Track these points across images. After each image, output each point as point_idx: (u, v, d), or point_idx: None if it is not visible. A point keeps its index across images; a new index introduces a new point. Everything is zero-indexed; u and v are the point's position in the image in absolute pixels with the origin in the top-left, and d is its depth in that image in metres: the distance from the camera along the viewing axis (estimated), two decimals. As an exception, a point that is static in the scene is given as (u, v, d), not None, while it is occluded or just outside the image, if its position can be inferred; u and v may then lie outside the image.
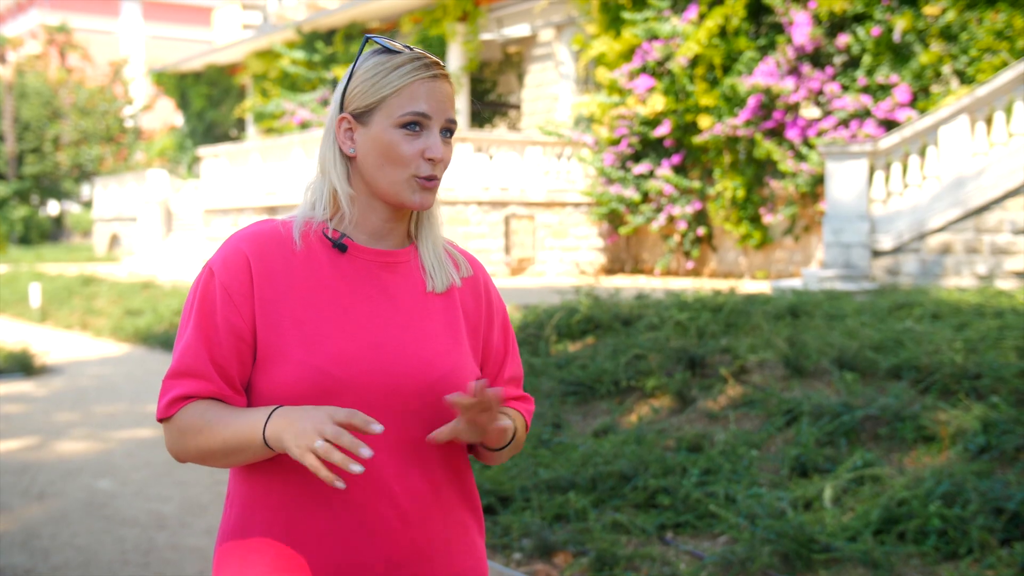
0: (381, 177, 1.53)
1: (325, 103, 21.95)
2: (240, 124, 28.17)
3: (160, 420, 1.52)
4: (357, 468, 1.33)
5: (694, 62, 15.15)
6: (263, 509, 1.52)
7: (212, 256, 1.54)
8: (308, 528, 1.50)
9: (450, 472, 1.59)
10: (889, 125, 13.12)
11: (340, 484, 1.34)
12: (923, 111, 12.77)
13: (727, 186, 15.01)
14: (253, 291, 1.50)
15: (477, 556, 1.63)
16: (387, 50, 1.54)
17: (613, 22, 16.24)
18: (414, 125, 1.51)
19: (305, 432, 1.35)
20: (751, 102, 14.20)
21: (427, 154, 1.51)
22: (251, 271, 1.50)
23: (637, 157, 16.25)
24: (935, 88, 13.03)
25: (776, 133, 14.45)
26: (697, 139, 15.18)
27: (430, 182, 1.53)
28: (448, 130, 1.55)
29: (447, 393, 1.54)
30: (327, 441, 1.34)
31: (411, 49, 1.54)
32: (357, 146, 1.54)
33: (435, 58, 1.55)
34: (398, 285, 1.57)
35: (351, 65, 1.57)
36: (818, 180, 13.77)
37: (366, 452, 1.33)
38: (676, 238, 16.19)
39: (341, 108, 1.56)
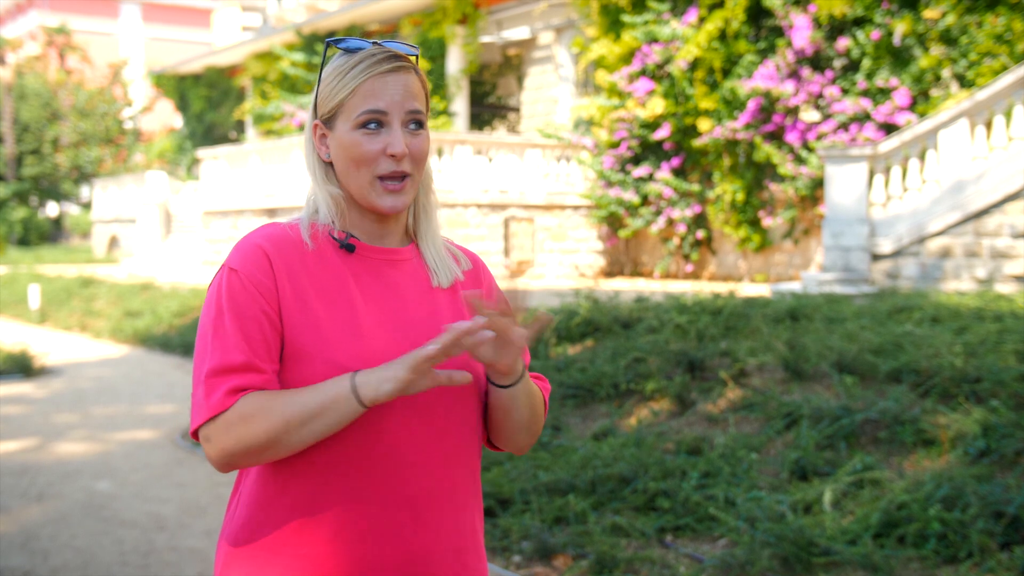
0: (350, 181, 1.54)
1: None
2: (239, 126, 28.17)
3: (209, 418, 1.43)
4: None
5: (694, 65, 15.16)
6: (277, 509, 1.50)
7: (228, 258, 1.51)
8: (321, 528, 1.48)
9: (466, 471, 1.59)
10: (889, 129, 13.13)
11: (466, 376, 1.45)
12: (923, 115, 12.78)
13: (726, 189, 15.01)
14: (277, 286, 1.49)
15: (481, 558, 1.64)
16: (348, 51, 1.54)
17: (613, 25, 16.25)
18: (372, 124, 1.50)
19: (406, 362, 1.40)
20: (751, 105, 14.21)
21: (388, 150, 1.50)
22: (273, 267, 1.49)
23: (636, 160, 16.26)
24: (935, 92, 13.04)
25: (776, 136, 14.46)
26: (697, 142, 15.19)
27: (398, 182, 1.52)
28: (415, 122, 1.53)
29: (461, 385, 1.53)
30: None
31: (376, 44, 1.53)
32: (331, 151, 1.56)
33: (401, 49, 1.54)
34: (405, 282, 1.58)
35: (319, 71, 1.57)
36: (818, 183, 13.78)
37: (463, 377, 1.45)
38: (675, 241, 16.19)
39: (316, 114, 1.57)
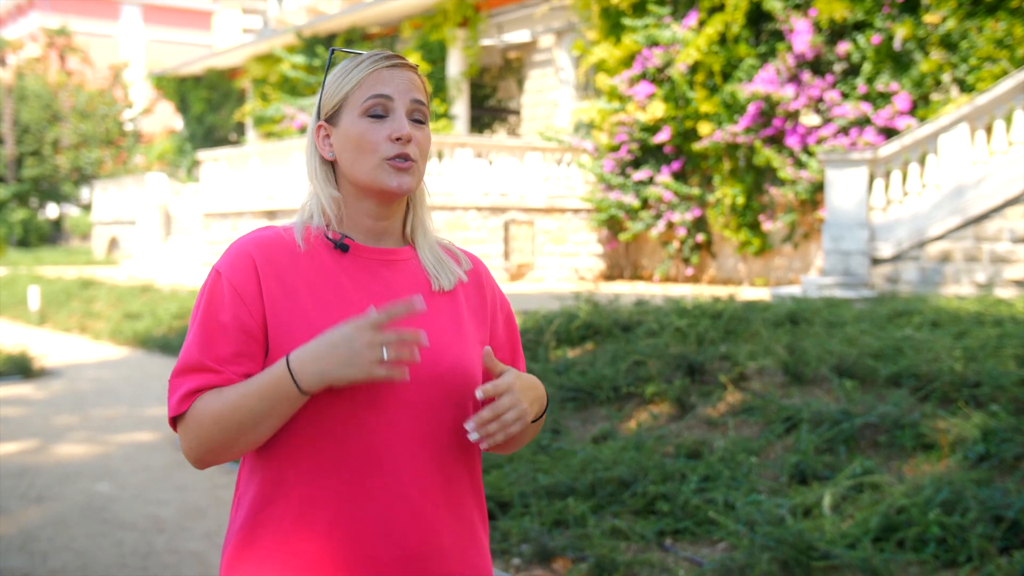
0: (358, 169, 1.56)
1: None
2: (240, 128, 28.17)
3: (173, 418, 1.52)
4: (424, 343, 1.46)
5: (694, 69, 15.17)
6: (273, 511, 1.52)
7: (217, 261, 1.57)
8: (318, 524, 1.50)
9: (462, 467, 1.60)
10: (889, 133, 13.14)
11: (406, 374, 1.45)
12: (923, 119, 12.79)
13: (727, 193, 15.02)
14: (261, 291, 1.52)
15: (483, 554, 1.64)
16: (353, 55, 1.61)
17: (613, 28, 16.26)
18: (377, 109, 1.55)
19: (357, 353, 1.43)
20: (751, 109, 14.22)
21: (393, 134, 1.54)
22: (258, 271, 1.53)
23: (637, 163, 16.27)
24: (935, 96, 13.05)
25: (776, 140, 14.47)
26: (697, 146, 15.20)
27: (404, 162, 1.55)
28: (418, 113, 1.58)
29: (456, 384, 1.56)
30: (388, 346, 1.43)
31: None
32: (335, 148, 1.59)
33: (399, 55, 1.60)
34: (400, 282, 1.60)
35: (323, 77, 1.63)
36: (818, 187, 13.79)
37: (424, 341, 1.45)
38: (675, 244, 16.20)
39: (319, 116, 1.62)
